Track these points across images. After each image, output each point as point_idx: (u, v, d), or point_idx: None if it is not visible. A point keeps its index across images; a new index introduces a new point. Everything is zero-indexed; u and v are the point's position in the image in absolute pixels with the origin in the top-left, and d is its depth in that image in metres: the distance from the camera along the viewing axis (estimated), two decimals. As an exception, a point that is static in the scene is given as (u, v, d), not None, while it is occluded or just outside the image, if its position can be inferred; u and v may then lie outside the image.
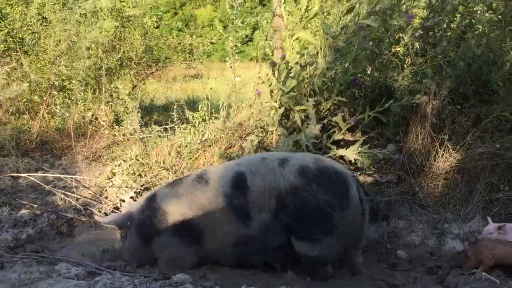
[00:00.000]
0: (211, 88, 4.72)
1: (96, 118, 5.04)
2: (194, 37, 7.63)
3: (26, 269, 2.47)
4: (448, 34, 3.88)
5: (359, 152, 3.46)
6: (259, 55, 4.91)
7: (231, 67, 4.84)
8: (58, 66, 5.14)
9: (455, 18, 3.93)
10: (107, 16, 5.77)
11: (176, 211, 2.83)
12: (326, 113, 3.71)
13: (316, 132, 3.67)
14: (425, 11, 3.96)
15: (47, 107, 5.19)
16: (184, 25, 8.15)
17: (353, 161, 3.72)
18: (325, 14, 3.72)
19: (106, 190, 3.99)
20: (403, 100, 3.53)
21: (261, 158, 2.85)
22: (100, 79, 5.37)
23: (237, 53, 5.00)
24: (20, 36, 5.56)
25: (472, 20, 3.92)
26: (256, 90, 3.88)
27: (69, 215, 3.59)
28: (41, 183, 3.94)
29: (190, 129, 4.18)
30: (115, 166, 4.05)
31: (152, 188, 3.76)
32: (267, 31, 5.53)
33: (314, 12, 3.81)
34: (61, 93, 5.38)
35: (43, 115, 5.11)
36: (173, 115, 4.45)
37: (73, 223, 3.57)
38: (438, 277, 2.95)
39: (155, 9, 7.71)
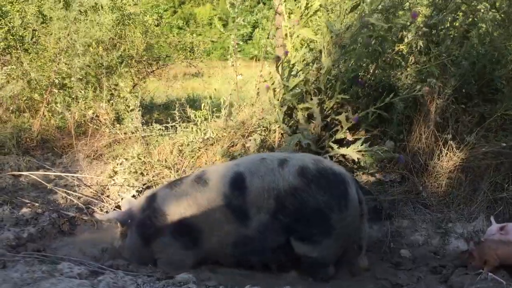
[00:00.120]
0: (215, 89, 4.70)
1: (97, 116, 5.01)
2: (194, 35, 7.61)
3: (29, 268, 2.44)
4: (451, 32, 3.86)
5: (359, 151, 3.45)
6: (261, 53, 4.88)
7: (233, 65, 4.83)
8: (58, 64, 5.12)
9: (457, 17, 3.92)
10: (108, 14, 5.75)
11: (175, 211, 2.82)
12: (329, 111, 3.69)
13: (314, 131, 3.67)
14: (428, 9, 3.94)
15: (48, 105, 5.17)
16: (184, 23, 8.12)
17: (356, 160, 3.71)
18: (329, 12, 3.69)
19: (108, 189, 3.97)
20: (404, 93, 3.52)
21: (260, 159, 2.84)
22: (100, 77, 5.35)
23: (238, 51, 4.99)
24: (20, 34, 5.54)
25: (475, 19, 3.90)
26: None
27: (71, 213, 3.57)
28: (43, 182, 3.92)
29: (192, 128, 4.16)
30: (117, 164, 4.03)
31: (154, 186, 3.74)
32: (269, 30, 5.52)
33: (314, 9, 3.80)
34: (61, 91, 5.36)
35: (43, 113, 5.09)
36: (174, 114, 4.43)
37: (74, 221, 3.55)
38: (442, 277, 2.94)
39: (155, 7, 7.69)
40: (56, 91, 5.28)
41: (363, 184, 3.70)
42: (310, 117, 3.77)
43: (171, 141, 4.17)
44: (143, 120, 4.60)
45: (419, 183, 3.55)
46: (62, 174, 4.10)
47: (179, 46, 6.95)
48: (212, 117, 4.29)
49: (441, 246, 3.24)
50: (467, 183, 3.46)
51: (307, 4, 3.77)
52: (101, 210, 3.73)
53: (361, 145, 3.40)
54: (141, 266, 2.84)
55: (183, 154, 4.10)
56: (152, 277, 2.53)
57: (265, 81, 4.33)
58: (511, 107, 3.53)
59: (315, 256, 2.76)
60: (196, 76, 7.66)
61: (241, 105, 4.52)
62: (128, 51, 5.98)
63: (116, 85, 5.44)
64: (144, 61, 6.39)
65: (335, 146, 3.48)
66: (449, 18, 3.85)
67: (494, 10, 3.93)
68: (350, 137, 3.42)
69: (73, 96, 5.25)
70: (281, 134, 4.02)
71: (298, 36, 3.87)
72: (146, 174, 3.94)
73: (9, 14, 5.57)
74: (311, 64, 4.02)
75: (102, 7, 5.72)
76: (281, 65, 3.64)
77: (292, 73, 3.78)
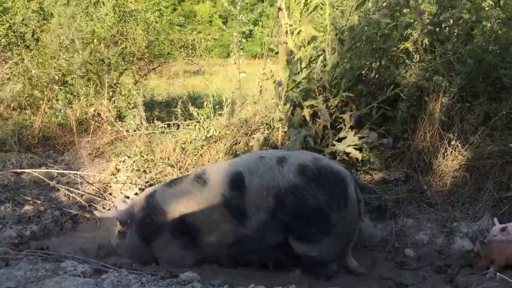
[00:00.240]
0: (217, 88, 4.68)
1: (99, 114, 4.99)
2: (195, 32, 7.58)
3: (32, 266, 2.43)
4: (456, 30, 3.84)
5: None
6: (264, 50, 4.86)
7: (235, 63, 4.80)
8: (57, 60, 5.09)
9: (462, 15, 3.90)
10: (109, 11, 5.72)
11: (175, 210, 2.81)
12: (334, 109, 3.67)
13: (319, 129, 3.65)
14: (433, 7, 3.91)
15: (49, 102, 5.14)
16: (185, 20, 8.08)
17: (359, 158, 3.69)
18: (334, 8, 3.66)
19: (110, 186, 3.95)
20: (406, 88, 3.50)
21: (259, 157, 2.83)
22: (102, 74, 5.33)
23: (241, 49, 4.96)
24: (22, 30, 5.51)
25: (480, 17, 3.88)
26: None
27: (73, 211, 3.55)
28: (45, 179, 3.90)
29: (195, 126, 4.14)
30: (119, 162, 4.00)
31: (156, 184, 3.72)
32: (271, 27, 5.50)
33: (313, 5, 3.78)
34: (62, 88, 5.33)
35: (44, 110, 5.07)
36: (176, 111, 4.41)
37: (77, 219, 3.53)
38: (447, 276, 2.92)
39: (157, 5, 7.66)
40: (57, 88, 5.26)
41: (367, 182, 3.69)
42: (314, 115, 3.75)
43: (173, 139, 4.14)
44: (144, 117, 4.58)
45: (423, 182, 3.53)
46: (64, 172, 4.08)
47: (180, 44, 6.93)
48: (215, 115, 4.26)
49: (446, 246, 3.22)
50: (472, 182, 3.44)
51: (306, 0, 3.75)
52: (104, 208, 3.72)
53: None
54: (144, 264, 2.83)
55: (185, 152, 4.07)
56: (156, 276, 2.52)
57: (268, 78, 4.31)
58: (517, 106, 3.52)
59: (314, 255, 2.75)
60: (197, 74, 7.64)
61: (244, 103, 4.51)
62: (130, 48, 5.95)
63: (117, 82, 5.42)
64: (145, 58, 6.37)
65: (339, 145, 3.46)
66: (454, 16, 3.83)
67: (498, 8, 3.92)
68: (352, 136, 3.39)
69: (74, 93, 5.22)
70: (285, 132, 4.00)
71: (299, 33, 3.85)
72: (149, 172, 3.92)
73: (11, 10, 5.54)
74: (314, 61, 4.00)
75: (104, 4, 5.69)
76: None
77: (296, 70, 3.76)
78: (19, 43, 5.43)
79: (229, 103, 4.33)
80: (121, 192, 3.81)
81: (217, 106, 4.35)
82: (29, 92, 5.27)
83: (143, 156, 3.94)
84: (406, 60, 3.95)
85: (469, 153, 3.45)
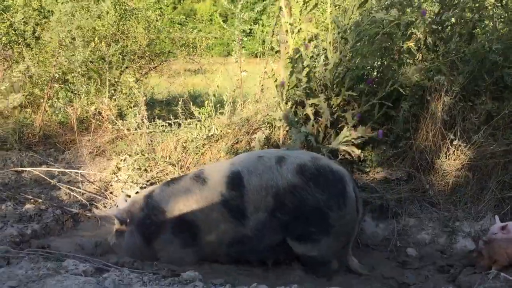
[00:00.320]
0: (217, 86, 4.68)
1: (100, 113, 4.98)
2: (196, 31, 7.55)
3: (33, 265, 2.42)
4: (459, 29, 3.82)
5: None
6: (266, 49, 4.84)
7: (237, 61, 4.79)
8: (57, 58, 5.07)
9: (465, 13, 3.88)
10: (110, 9, 5.70)
11: (174, 208, 2.82)
12: (336, 108, 3.66)
13: (321, 127, 3.64)
14: (436, 6, 3.90)
15: (49, 100, 5.13)
16: (186, 19, 8.05)
17: (362, 157, 3.69)
18: (336, 7, 3.65)
19: (111, 185, 3.94)
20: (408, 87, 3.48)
21: (257, 156, 2.83)
22: (102, 73, 5.31)
23: (243, 47, 4.94)
24: (22, 29, 5.49)
25: (481, 16, 3.87)
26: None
27: (74, 210, 3.53)
28: (46, 178, 3.89)
29: (196, 124, 4.13)
30: (121, 161, 3.99)
31: (158, 183, 3.71)
32: (272, 26, 5.48)
33: (313, 3, 3.77)
34: (63, 86, 5.32)
35: (45, 108, 5.05)
36: (176, 110, 4.39)
37: (78, 218, 3.52)
38: (449, 276, 2.92)
39: (158, 3, 7.64)
40: (57, 86, 5.24)
41: (369, 182, 3.68)
42: (316, 114, 3.74)
43: (175, 138, 4.13)
44: (146, 116, 4.56)
45: (425, 181, 3.52)
46: (66, 170, 4.06)
47: (181, 42, 6.90)
48: (216, 114, 4.25)
49: (448, 245, 3.21)
50: (474, 182, 3.42)
51: (305, -2, 3.75)
52: (105, 207, 3.71)
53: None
54: (146, 263, 2.82)
55: (187, 150, 4.06)
56: (158, 275, 2.51)
57: (269, 77, 4.30)
58: (519, 105, 3.51)
59: (314, 255, 2.76)
60: (198, 72, 7.62)
61: (245, 102, 4.49)
62: (131, 46, 5.94)
63: (118, 80, 5.40)
64: (146, 56, 6.35)
65: (343, 145, 3.45)
66: (457, 15, 3.82)
67: (500, 7, 3.90)
68: (354, 135, 3.38)
69: (75, 92, 5.21)
70: (286, 131, 3.99)
71: (299, 30, 3.84)
72: (150, 171, 3.91)
73: (11, 8, 5.52)
74: (315, 60, 3.99)
75: (104, 0, 5.67)
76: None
77: (298, 69, 3.75)
78: (20, 41, 5.41)
79: (230, 102, 4.32)
80: (122, 191, 3.80)
81: (218, 105, 4.34)
82: (30, 90, 5.26)
83: (144, 155, 3.93)
84: (408, 60, 3.93)
85: (471, 152, 3.44)
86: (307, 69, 3.63)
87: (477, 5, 3.78)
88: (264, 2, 5.42)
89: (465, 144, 3.48)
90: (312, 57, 3.71)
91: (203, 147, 4.06)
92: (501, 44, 3.56)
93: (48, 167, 4.13)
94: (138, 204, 2.93)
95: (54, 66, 5.07)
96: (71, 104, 5.01)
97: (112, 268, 2.55)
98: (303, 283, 2.68)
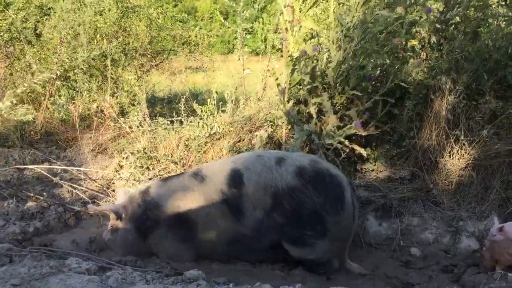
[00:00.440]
0: (218, 84, 4.65)
1: (102, 111, 4.96)
2: (197, 29, 7.54)
3: (36, 263, 2.41)
4: (463, 28, 3.80)
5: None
6: (269, 48, 4.83)
7: (239, 59, 4.77)
8: (59, 55, 5.06)
9: (468, 12, 3.87)
10: (112, 6, 5.69)
11: (170, 204, 2.82)
12: (339, 107, 3.65)
13: (325, 126, 3.61)
14: (439, 3, 3.88)
15: (51, 97, 5.11)
16: (187, 17, 8.04)
17: (365, 156, 3.67)
18: (340, 5, 3.64)
19: (113, 183, 3.93)
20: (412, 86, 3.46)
21: (256, 156, 2.84)
22: (104, 70, 5.29)
23: (245, 45, 4.93)
24: (24, 26, 5.47)
25: (485, 15, 3.85)
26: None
27: (77, 208, 3.52)
28: (48, 175, 3.87)
29: (198, 122, 4.11)
30: (123, 158, 3.98)
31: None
32: (273, 24, 5.46)
33: (313, 0, 3.74)
34: (64, 84, 5.30)
35: (46, 106, 5.04)
36: (179, 108, 4.38)
37: (80, 216, 3.51)
38: (453, 276, 2.90)
39: (159, 1, 7.62)
40: (59, 83, 5.23)
41: (372, 180, 3.66)
42: (319, 112, 3.73)
43: (177, 136, 4.12)
44: (147, 114, 4.55)
45: (429, 180, 3.51)
46: (68, 168, 4.05)
47: (183, 40, 6.89)
48: (218, 112, 4.24)
49: (452, 245, 3.19)
50: (478, 181, 3.41)
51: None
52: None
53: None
54: (149, 262, 2.81)
55: (189, 148, 4.05)
56: (161, 273, 2.50)
57: (271, 75, 4.28)
58: (523, 104, 3.49)
59: (311, 258, 2.76)
60: (199, 70, 7.61)
61: (248, 100, 4.48)
62: (133, 44, 5.92)
63: (119, 77, 5.39)
64: (148, 54, 6.33)
65: (345, 141, 3.43)
66: (461, 13, 3.80)
67: (505, 6, 3.88)
68: (363, 132, 3.37)
69: (77, 89, 5.19)
70: (289, 129, 3.97)
71: (300, 28, 3.82)
72: (152, 169, 3.90)
73: (13, 5, 5.50)
74: (319, 59, 3.97)
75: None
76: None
77: (296, 67, 3.73)
78: (21, 38, 5.40)
79: (232, 100, 4.31)
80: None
81: (220, 103, 4.32)
82: (31, 88, 5.24)
83: (146, 153, 3.92)
84: (412, 59, 3.91)
85: (475, 151, 3.42)
86: (311, 68, 3.61)
87: (481, 3, 3.76)
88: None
89: (469, 143, 3.46)
90: (314, 55, 3.68)
91: (205, 145, 4.05)
92: (505, 43, 3.54)
93: (50, 165, 4.12)
94: (134, 200, 2.93)
95: (56, 63, 5.05)
96: (73, 101, 5.00)
97: (115, 266, 2.54)
98: (306, 282, 2.67)
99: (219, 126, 4.06)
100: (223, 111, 4.27)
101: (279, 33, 4.93)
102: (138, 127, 4.33)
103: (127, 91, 5.31)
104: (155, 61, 6.65)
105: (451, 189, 3.45)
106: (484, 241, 2.86)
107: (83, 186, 3.83)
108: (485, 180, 3.41)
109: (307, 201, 2.65)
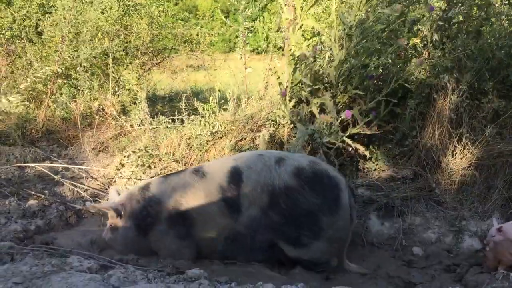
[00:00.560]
0: (220, 82, 4.64)
1: (103, 109, 4.96)
2: (199, 27, 7.53)
3: (38, 261, 2.40)
4: (466, 27, 3.79)
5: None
6: (271, 47, 4.82)
7: (241, 58, 4.77)
8: (61, 53, 5.05)
9: (472, 11, 3.85)
10: (113, 4, 5.68)
11: (171, 201, 2.82)
12: (342, 106, 3.63)
13: (327, 125, 3.61)
14: (443, 2, 3.87)
15: (52, 95, 5.10)
16: (189, 15, 8.03)
17: (368, 155, 3.66)
18: (342, 4, 3.62)
19: (114, 181, 3.92)
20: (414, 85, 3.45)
21: (258, 155, 2.87)
22: (106, 69, 5.29)
23: (247, 44, 4.92)
24: (25, 24, 5.47)
25: (488, 14, 3.83)
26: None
27: (78, 206, 3.52)
28: (49, 173, 3.87)
29: (200, 121, 4.11)
30: (124, 157, 3.97)
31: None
32: (277, 23, 5.45)
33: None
34: (66, 82, 5.29)
35: (48, 104, 5.03)
36: (179, 106, 4.38)
37: (81, 214, 3.50)
38: (456, 275, 2.90)
39: (160, -1, 7.61)
40: (61, 81, 5.22)
41: (374, 180, 3.66)
42: (321, 111, 3.72)
43: (178, 134, 4.11)
44: (148, 112, 4.54)
45: (432, 180, 3.49)
46: (69, 166, 4.05)
47: (184, 38, 6.88)
48: (219, 110, 4.23)
49: (454, 244, 3.18)
50: (481, 181, 3.39)
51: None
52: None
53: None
54: (151, 260, 2.80)
55: (191, 147, 4.05)
56: (163, 272, 2.49)
57: (273, 74, 4.26)
58: (527, 104, 3.48)
59: (308, 258, 2.77)
60: (200, 68, 7.60)
61: (250, 98, 4.47)
62: (134, 42, 5.91)
63: (120, 75, 5.38)
64: (149, 52, 6.32)
65: (349, 141, 3.43)
66: (463, 12, 3.79)
67: (508, 5, 3.87)
68: (368, 131, 3.36)
69: (78, 87, 5.19)
70: (291, 128, 3.96)
71: (301, 27, 3.81)
72: (154, 167, 3.89)
73: (14, 3, 5.50)
74: (321, 58, 3.96)
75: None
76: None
77: (297, 66, 3.72)
78: (23, 36, 5.39)
79: (234, 99, 4.30)
80: (126, 187, 3.77)
81: (222, 101, 4.32)
82: (33, 85, 5.23)
83: (148, 151, 3.91)
84: (414, 58, 3.90)
85: (478, 151, 3.41)
86: (312, 71, 3.60)
87: (483, 1, 3.75)
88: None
89: (472, 143, 3.45)
90: (315, 57, 3.68)
91: (207, 144, 4.04)
92: (508, 42, 3.53)
93: (51, 163, 4.11)
94: (134, 196, 2.93)
95: (57, 61, 5.04)
96: (74, 99, 4.99)
97: (117, 265, 2.53)
98: (308, 282, 2.66)
99: (221, 125, 4.06)
100: (225, 110, 4.27)
101: (281, 31, 4.93)
102: (139, 125, 4.33)
103: (129, 89, 5.31)
104: (157, 60, 6.65)
105: (454, 189, 3.44)
106: (483, 241, 2.85)
107: (84, 185, 3.82)
108: (488, 179, 3.40)
109: (303, 201, 2.67)
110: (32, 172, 3.99)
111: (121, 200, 2.96)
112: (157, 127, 4.31)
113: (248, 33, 5.09)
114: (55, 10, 5.46)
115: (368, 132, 3.38)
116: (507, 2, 3.90)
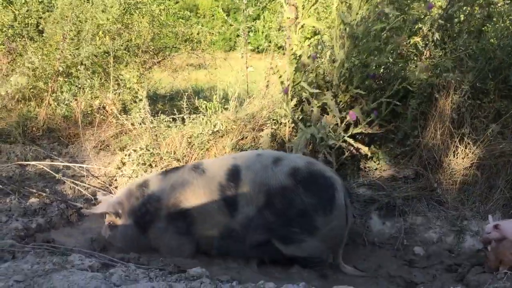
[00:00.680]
0: (222, 81, 4.62)
1: (104, 107, 4.95)
2: (200, 26, 7.52)
3: (39, 259, 2.39)
4: (467, 26, 3.78)
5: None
6: (272, 46, 4.81)
7: (243, 57, 4.76)
8: (62, 52, 5.04)
9: (474, 10, 3.84)
10: (114, 3, 5.67)
11: (170, 198, 2.83)
12: (343, 106, 3.63)
13: (329, 125, 3.60)
14: (443, 1, 3.86)
15: (53, 93, 5.09)
16: (190, 14, 8.02)
17: (369, 155, 3.66)
18: (343, 3, 3.61)
19: (115, 180, 3.92)
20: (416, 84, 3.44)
21: (256, 154, 2.92)
22: (107, 67, 5.28)
23: (248, 43, 4.91)
24: (26, 22, 5.46)
25: (491, 13, 3.82)
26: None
27: (79, 204, 3.51)
28: (50, 171, 3.86)
29: (201, 119, 4.10)
30: (125, 155, 3.96)
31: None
32: (278, 22, 5.44)
33: None
34: (66, 80, 5.28)
35: (48, 102, 5.02)
36: (180, 105, 4.37)
37: (82, 212, 3.49)
38: (457, 275, 2.89)
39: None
40: (62, 79, 5.21)
41: (376, 179, 3.65)
42: (323, 111, 3.71)
43: (180, 133, 4.10)
44: (149, 111, 4.53)
45: (433, 179, 3.49)
46: (70, 164, 4.04)
47: (185, 37, 6.87)
48: (221, 109, 4.22)
49: (456, 244, 3.18)
50: (483, 181, 3.39)
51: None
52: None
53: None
54: (152, 259, 2.79)
55: (192, 146, 4.04)
56: (164, 271, 2.49)
57: (274, 73, 4.25)
58: (528, 104, 3.47)
59: (303, 256, 2.80)
60: (200, 67, 7.60)
61: (251, 97, 4.46)
62: (135, 41, 5.90)
63: (120, 74, 5.37)
64: (150, 51, 6.31)
65: (351, 140, 3.42)
66: (466, 11, 3.78)
67: (510, 3, 3.86)
68: (370, 130, 3.35)
69: (79, 86, 5.18)
70: (292, 127, 3.96)
71: (302, 26, 3.80)
72: (155, 166, 3.88)
73: (16, 1, 5.49)
74: (322, 57, 3.95)
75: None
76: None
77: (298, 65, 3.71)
78: (24, 34, 5.38)
79: (236, 97, 4.29)
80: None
81: (223, 100, 4.31)
82: (33, 83, 5.22)
83: (149, 150, 3.91)
84: (415, 57, 3.89)
85: (480, 151, 3.41)
86: (312, 75, 3.60)
87: (485, 0, 3.74)
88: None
89: (473, 143, 3.45)
90: (316, 53, 3.67)
91: (208, 142, 4.03)
92: (509, 42, 3.52)
93: (52, 161, 4.11)
94: (133, 193, 2.93)
95: (58, 59, 5.03)
96: (75, 98, 4.98)
97: (118, 263, 2.53)
98: (310, 281, 2.66)
99: (222, 124, 4.05)
100: (226, 109, 4.26)
101: (282, 30, 4.92)
102: (140, 124, 4.32)
103: (129, 88, 5.29)
104: (157, 58, 6.64)
105: (455, 188, 3.43)
106: (478, 238, 2.84)
107: (85, 183, 3.82)
108: (490, 179, 3.39)
109: (297, 200, 2.70)
110: (33, 170, 3.98)
111: (119, 198, 2.96)
112: (158, 126, 4.30)
113: (248, 32, 5.08)
114: (56, 8, 5.45)
115: (370, 132, 3.37)
116: (509, 1, 3.89)
